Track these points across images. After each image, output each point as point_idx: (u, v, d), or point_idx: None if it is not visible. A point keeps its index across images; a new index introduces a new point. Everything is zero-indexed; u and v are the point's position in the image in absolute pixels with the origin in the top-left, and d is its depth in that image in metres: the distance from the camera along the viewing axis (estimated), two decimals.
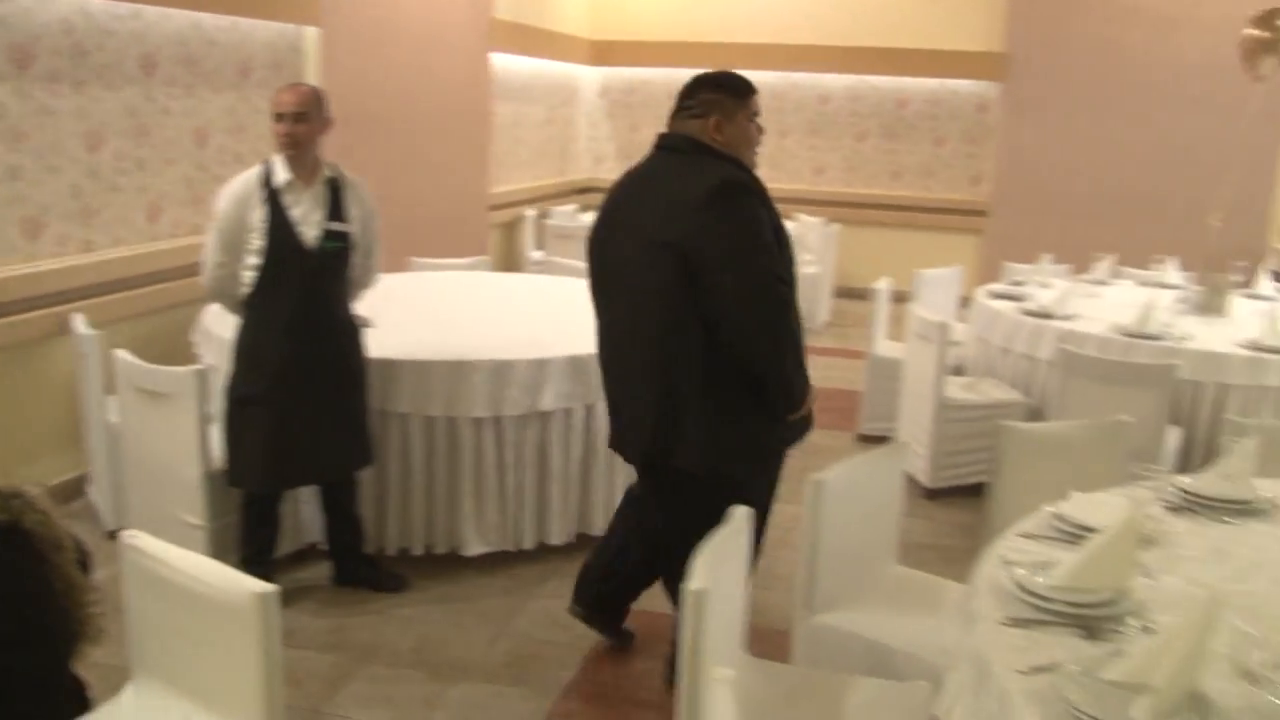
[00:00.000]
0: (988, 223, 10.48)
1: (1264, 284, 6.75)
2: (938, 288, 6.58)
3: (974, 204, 10.60)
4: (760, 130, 3.27)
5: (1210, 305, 5.78)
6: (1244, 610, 2.13)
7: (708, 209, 2.96)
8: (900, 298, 6.30)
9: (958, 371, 5.79)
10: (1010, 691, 1.87)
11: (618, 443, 3.34)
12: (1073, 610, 2.11)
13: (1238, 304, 5.95)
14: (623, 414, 3.29)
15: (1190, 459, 4.75)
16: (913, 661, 2.75)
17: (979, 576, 2.31)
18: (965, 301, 6.73)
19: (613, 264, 3.22)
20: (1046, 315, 5.39)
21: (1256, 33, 6.77)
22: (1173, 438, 4.73)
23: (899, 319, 5.95)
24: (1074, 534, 2.45)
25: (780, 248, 3.10)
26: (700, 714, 2.12)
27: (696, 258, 2.96)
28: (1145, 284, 6.77)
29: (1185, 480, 2.85)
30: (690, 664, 2.16)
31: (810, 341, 9.09)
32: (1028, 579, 2.20)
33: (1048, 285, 6.20)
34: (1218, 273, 6.04)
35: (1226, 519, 2.70)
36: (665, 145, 3.20)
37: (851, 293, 10.01)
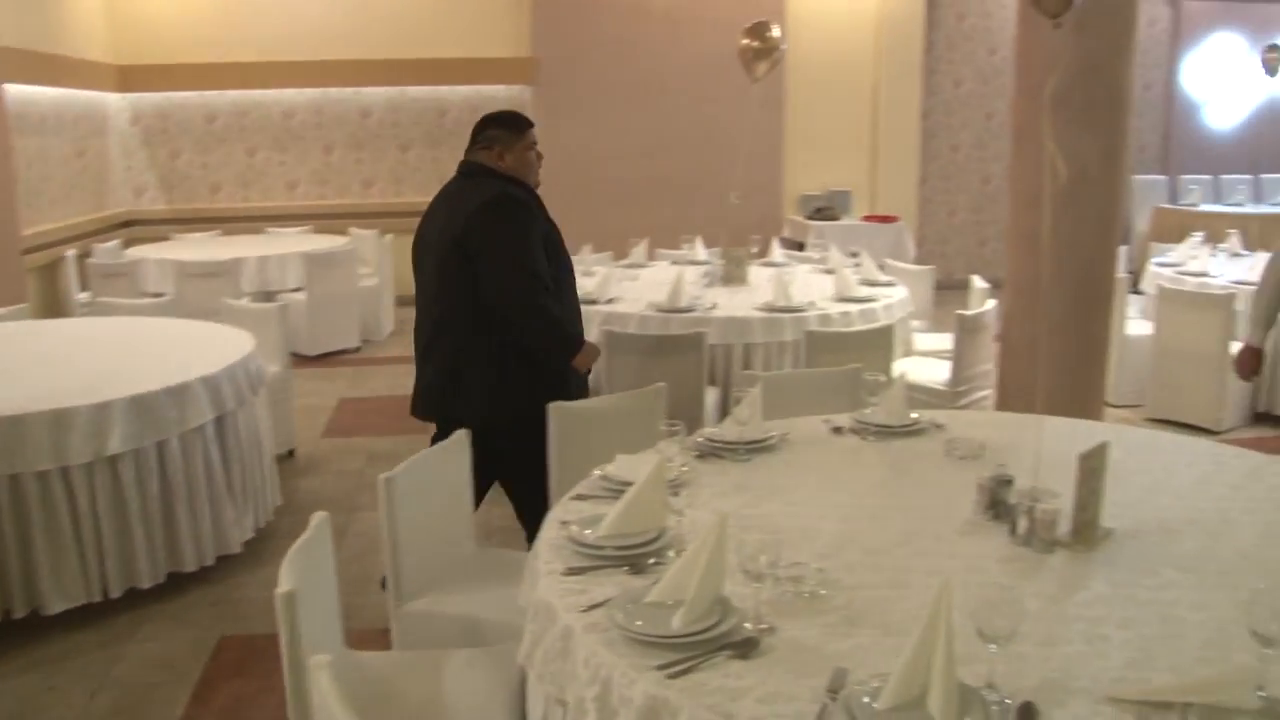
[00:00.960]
0: None
1: (777, 252, 7.62)
2: None
3: None
4: (539, 156, 4.17)
5: (732, 276, 6.49)
6: (761, 528, 2.58)
7: (482, 215, 3.85)
8: None
9: None
10: (573, 628, 2.17)
11: (415, 407, 4.16)
12: (618, 553, 2.46)
13: (755, 272, 6.71)
14: (420, 383, 4.11)
15: (728, 412, 5.35)
16: (500, 628, 3.03)
17: (542, 538, 2.61)
18: None
19: (421, 266, 4.07)
20: (590, 301, 5.83)
21: (750, 42, 7.63)
22: (711, 396, 5.31)
23: None
24: (618, 490, 2.80)
25: (553, 250, 4.02)
26: (306, 703, 2.28)
27: (472, 252, 3.83)
28: (677, 262, 7.44)
29: (709, 430, 3.32)
30: (291, 661, 2.32)
31: (378, 351, 9.17)
32: (579, 533, 2.54)
33: (590, 273, 6.64)
34: (737, 246, 6.79)
35: (745, 457, 3.17)
36: (462, 172, 4.08)
37: (412, 300, 10.16)
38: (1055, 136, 4.76)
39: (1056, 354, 5.02)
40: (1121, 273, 7.02)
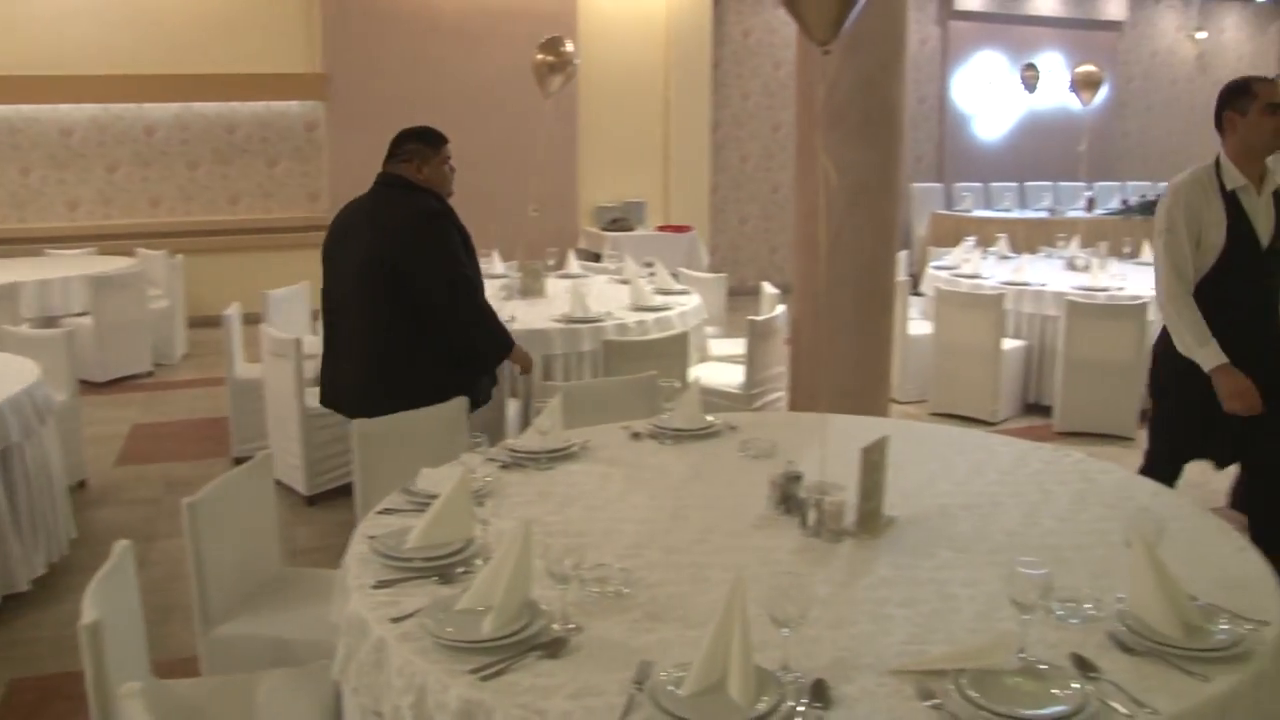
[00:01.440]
0: None
1: (574, 264, 7.74)
2: (288, 305, 6.82)
3: (314, 220, 10.77)
4: (452, 169, 4.40)
5: (530, 288, 6.57)
6: (565, 533, 2.67)
7: (412, 231, 4.15)
8: (253, 319, 6.46)
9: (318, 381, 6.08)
10: (386, 639, 2.21)
11: (326, 399, 4.52)
12: (427, 564, 2.51)
13: (553, 284, 6.81)
14: (336, 381, 4.39)
15: (529, 423, 5.42)
16: (311, 647, 3.02)
17: (350, 555, 2.64)
18: (316, 315, 7.02)
19: (338, 270, 4.29)
20: None
21: (545, 57, 7.74)
22: (513, 408, 5.38)
23: (255, 341, 6.12)
24: (424, 503, 2.85)
25: (468, 252, 4.31)
26: None
27: (404, 266, 4.11)
28: None
29: (512, 441, 3.39)
30: (98, 695, 2.28)
31: (171, 375, 8.89)
32: (387, 547, 2.57)
33: None
34: (534, 259, 6.87)
35: (547, 466, 3.25)
36: (382, 182, 4.33)
37: (205, 321, 9.89)
38: (833, 150, 5.03)
39: (843, 355, 5.27)
40: (902, 276, 7.42)
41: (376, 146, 4.44)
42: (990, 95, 13.96)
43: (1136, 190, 13.52)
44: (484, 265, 7.68)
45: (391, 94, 10.72)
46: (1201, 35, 15.36)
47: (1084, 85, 12.01)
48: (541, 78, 7.84)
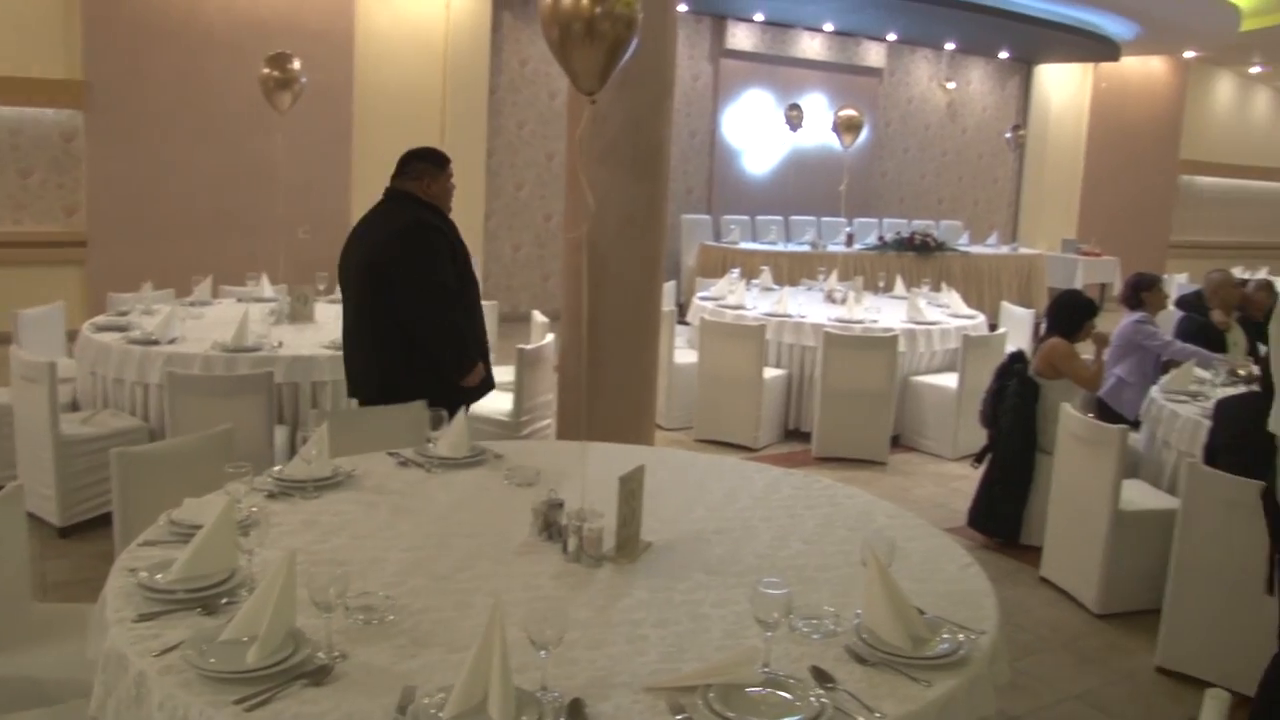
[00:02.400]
0: (88, 253, 10.32)
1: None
2: (41, 326, 6.51)
3: (71, 235, 10.34)
4: (454, 186, 4.72)
5: (299, 313, 6.48)
6: (331, 561, 2.70)
7: (397, 240, 4.48)
8: (2, 339, 6.13)
9: (73, 407, 5.84)
10: (147, 673, 2.19)
11: (353, 391, 4.80)
12: (190, 595, 2.49)
13: (323, 309, 6.73)
14: (352, 373, 4.76)
15: (297, 450, 5.35)
16: (65, 686, 2.93)
17: (108, 588, 2.58)
18: (73, 335, 6.72)
19: (345, 276, 4.69)
20: (152, 342, 5.65)
21: (270, 72, 7.67)
22: (280, 435, 5.30)
23: (2, 362, 5.82)
24: (187, 533, 2.81)
25: (463, 269, 4.63)
26: None
27: (389, 276, 4.45)
28: (243, 300, 7.32)
29: (277, 469, 3.37)
30: None
31: None
32: (149, 579, 2.54)
33: (152, 312, 6.41)
34: (304, 284, 6.78)
35: (314, 494, 3.25)
36: (388, 197, 4.66)
37: None
38: (602, 183, 5.20)
39: (610, 383, 5.42)
40: (669, 306, 7.66)
41: (140, 160, 4.33)
42: (758, 132, 14.52)
43: (892, 227, 14.29)
44: (251, 288, 7.61)
45: (158, 106, 10.36)
46: (951, 85, 16.40)
47: (845, 128, 12.62)
48: (269, 93, 7.78)
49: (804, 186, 14.64)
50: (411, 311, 4.47)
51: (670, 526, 3.10)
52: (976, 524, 6.13)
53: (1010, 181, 17.54)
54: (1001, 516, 6.00)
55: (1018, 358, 6.13)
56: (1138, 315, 7.12)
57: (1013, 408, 5.91)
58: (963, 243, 14.52)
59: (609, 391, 5.42)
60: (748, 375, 7.62)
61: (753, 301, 8.74)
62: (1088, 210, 17.39)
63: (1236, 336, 7.31)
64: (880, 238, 13.38)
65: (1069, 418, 5.34)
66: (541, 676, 2.14)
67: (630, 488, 2.82)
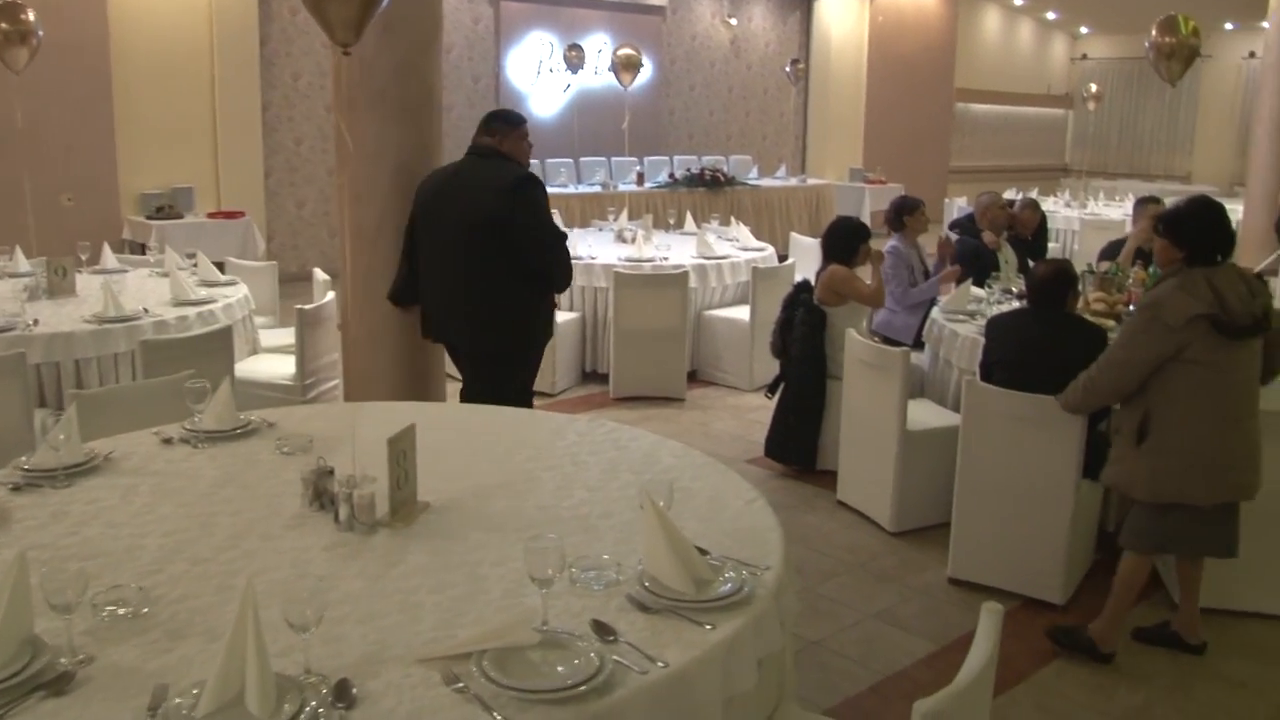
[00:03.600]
0: None
1: (109, 258, 7.21)
2: None
3: None
4: (530, 145, 5.07)
5: (58, 287, 6.06)
6: (80, 555, 2.50)
7: (517, 191, 4.72)
8: None
9: None
10: None
11: (441, 337, 5.12)
12: None
13: (85, 281, 6.32)
14: (447, 324, 4.99)
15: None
16: None
17: None
18: None
19: (439, 226, 4.85)
20: None
21: (1, 25, 7.17)
22: (41, 420, 4.95)
23: None
24: None
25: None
26: None
27: (513, 222, 4.68)
28: None
29: (22, 459, 3.12)
30: None
31: None
32: None
33: None
34: (65, 255, 6.34)
35: (65, 483, 3.02)
36: (476, 152, 4.92)
37: None
38: (371, 131, 5.02)
39: (393, 341, 5.24)
40: None
41: None
42: (544, 75, 14.31)
43: (683, 164, 14.34)
44: (4, 264, 7.08)
45: None
46: (734, 21, 16.50)
47: (624, 67, 12.53)
48: (1, 50, 7.29)
49: (592, 128, 14.49)
50: (542, 258, 4.82)
51: (450, 485, 2.99)
52: (774, 453, 6.22)
53: (797, 114, 17.80)
54: (798, 444, 6.10)
55: (804, 287, 6.21)
56: (892, 242, 7.20)
57: (801, 337, 6.00)
58: (752, 176, 14.69)
59: (391, 349, 5.24)
60: None
61: None
62: (872, 140, 17.82)
63: (1008, 255, 7.57)
64: (670, 175, 13.38)
65: (854, 343, 5.44)
66: (305, 659, 2.02)
67: (401, 448, 2.70)
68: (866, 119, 17.85)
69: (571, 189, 12.73)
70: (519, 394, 4.95)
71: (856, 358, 5.42)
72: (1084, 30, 23.17)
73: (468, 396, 5.01)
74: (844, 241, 6.11)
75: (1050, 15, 21.47)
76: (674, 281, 7.49)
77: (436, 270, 4.98)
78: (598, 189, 12.66)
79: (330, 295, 6.15)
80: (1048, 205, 14.83)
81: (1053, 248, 13.61)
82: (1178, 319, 3.81)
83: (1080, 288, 5.33)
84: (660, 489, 2.55)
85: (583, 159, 14.06)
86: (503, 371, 4.92)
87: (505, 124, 5.03)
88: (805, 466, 6.12)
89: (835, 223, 6.40)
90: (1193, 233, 3.96)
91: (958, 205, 13.76)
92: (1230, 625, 4.47)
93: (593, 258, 8.08)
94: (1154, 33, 6.84)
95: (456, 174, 4.96)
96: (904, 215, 7.21)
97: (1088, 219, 13.59)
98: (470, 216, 4.77)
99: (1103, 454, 4.32)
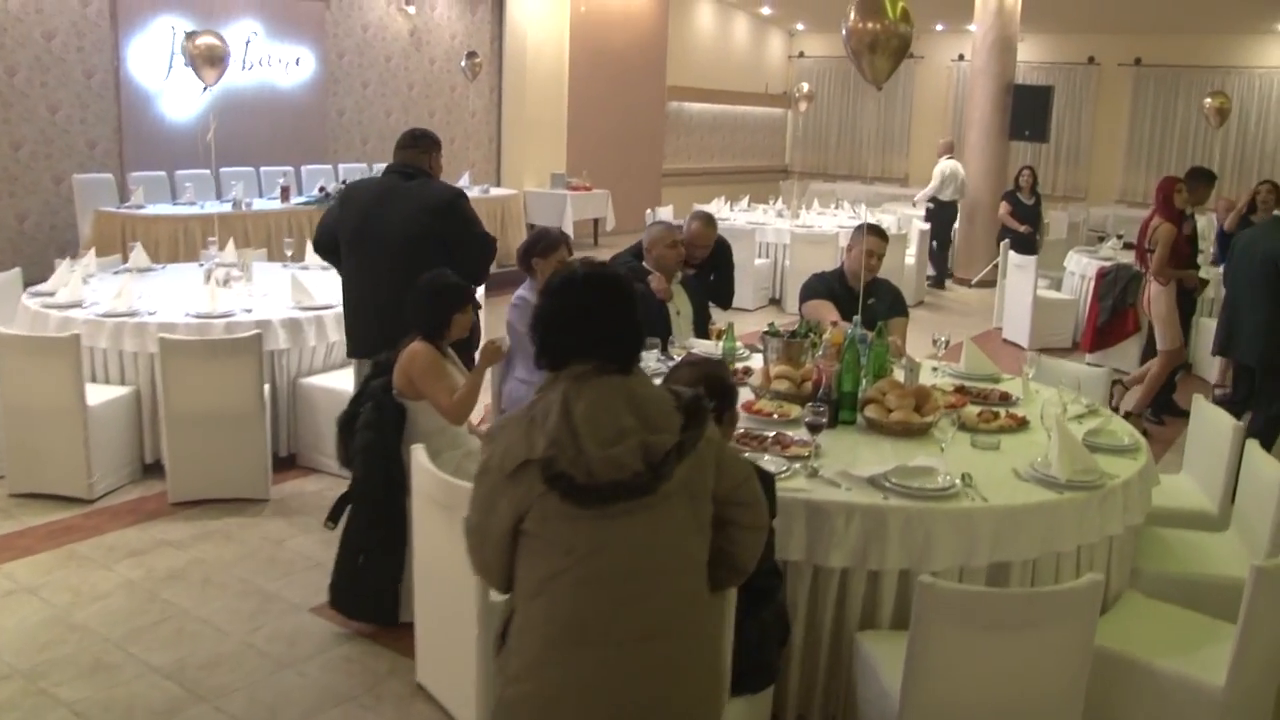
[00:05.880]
0: None
1: None
2: None
3: None
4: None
5: None
6: None
7: (453, 209, 5.20)
8: None
9: None
10: None
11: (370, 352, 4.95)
12: None
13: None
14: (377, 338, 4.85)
15: None
16: None
17: None
18: None
19: (371, 243, 5.18)
20: None
21: None
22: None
23: None
24: None
25: None
26: None
27: (450, 235, 5.11)
28: None
29: None
30: None
31: None
32: None
33: None
34: None
35: None
36: (399, 171, 5.28)
37: None
38: None
39: None
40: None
41: None
42: (178, 72, 11.92)
43: (351, 173, 12.41)
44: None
45: None
46: (412, 10, 14.55)
47: (204, 61, 10.10)
48: None
49: (240, 134, 12.21)
50: (474, 265, 5.16)
51: None
52: (341, 604, 4.44)
53: (489, 114, 16.04)
54: (371, 592, 4.35)
55: (382, 368, 4.46)
56: (521, 291, 5.49)
57: (365, 445, 4.25)
58: None
59: None
60: (63, 403, 5.52)
61: (99, 296, 6.52)
62: (576, 142, 16.24)
63: (681, 304, 5.99)
64: (321, 188, 11.32)
65: (422, 473, 3.71)
66: None
67: None
68: (570, 119, 16.27)
69: (198, 208, 10.45)
70: None
71: (427, 495, 3.71)
72: (800, 27, 22.31)
73: None
74: (430, 306, 4.39)
75: (765, 10, 20.42)
76: (243, 347, 5.58)
77: (368, 285, 5.23)
78: (228, 207, 10.46)
79: None
80: (757, 214, 13.64)
81: (759, 264, 12.39)
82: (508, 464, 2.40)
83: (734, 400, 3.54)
84: None
85: (224, 169, 11.77)
86: None
87: (431, 143, 5.39)
88: (385, 622, 4.38)
89: (426, 279, 4.46)
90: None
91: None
92: None
93: (151, 313, 6.10)
94: (852, 16, 5.03)
95: (389, 192, 5.20)
96: (533, 257, 5.32)
97: (799, 232, 12.36)
98: (407, 230, 5.03)
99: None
